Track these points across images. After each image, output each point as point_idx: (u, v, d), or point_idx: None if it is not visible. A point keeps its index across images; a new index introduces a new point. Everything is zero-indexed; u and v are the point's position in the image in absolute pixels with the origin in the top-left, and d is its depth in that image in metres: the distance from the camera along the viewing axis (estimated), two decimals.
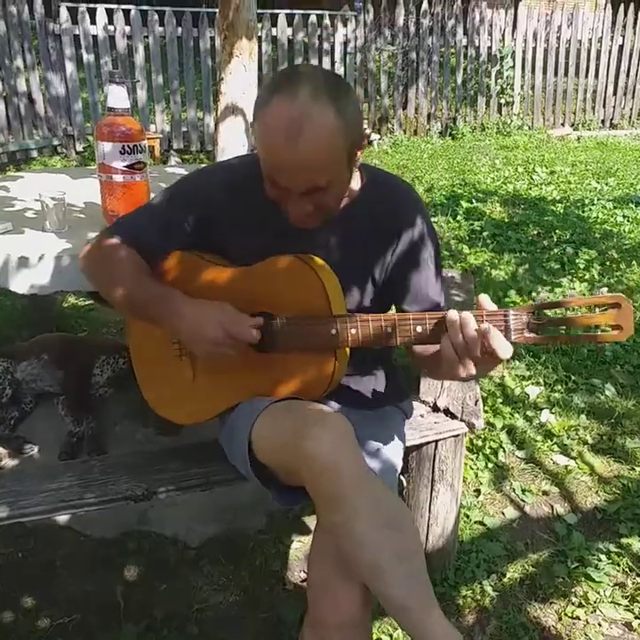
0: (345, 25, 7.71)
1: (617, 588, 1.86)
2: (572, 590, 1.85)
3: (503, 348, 1.10)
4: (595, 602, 1.81)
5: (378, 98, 8.18)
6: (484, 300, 1.16)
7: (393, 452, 1.44)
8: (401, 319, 1.22)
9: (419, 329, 1.20)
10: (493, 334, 1.10)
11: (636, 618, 1.77)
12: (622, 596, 1.83)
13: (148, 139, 3.21)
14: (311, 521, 2.01)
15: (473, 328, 1.12)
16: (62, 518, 1.92)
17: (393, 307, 1.50)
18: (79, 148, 7.01)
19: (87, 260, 1.45)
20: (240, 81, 3.56)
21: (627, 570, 1.91)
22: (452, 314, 1.15)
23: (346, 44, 7.77)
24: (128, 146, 1.81)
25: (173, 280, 1.42)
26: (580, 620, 1.76)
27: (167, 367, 1.49)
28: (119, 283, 1.38)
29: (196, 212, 1.40)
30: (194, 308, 1.32)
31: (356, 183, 1.38)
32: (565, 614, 1.78)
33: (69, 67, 6.79)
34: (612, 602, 1.81)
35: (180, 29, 7.07)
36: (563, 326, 1.12)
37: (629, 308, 1.10)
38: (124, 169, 1.82)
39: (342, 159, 1.22)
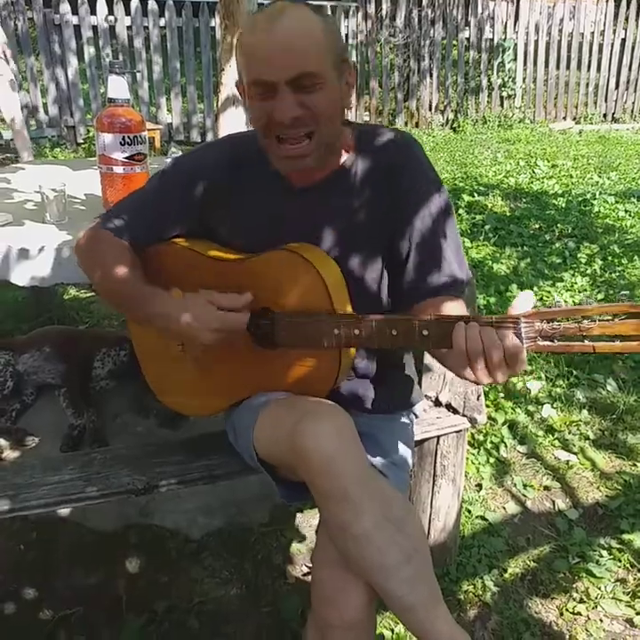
0: (346, 16, 7.67)
1: (618, 583, 1.85)
2: (574, 586, 1.85)
3: (514, 362, 1.05)
4: (596, 598, 1.81)
5: (380, 90, 8.14)
6: (517, 303, 1.07)
7: (403, 454, 1.42)
8: (405, 321, 1.16)
9: (424, 332, 1.14)
10: (499, 347, 1.04)
11: (638, 614, 1.76)
12: (623, 592, 1.82)
13: (149, 130, 3.19)
14: (314, 515, 2.01)
15: (478, 343, 1.06)
16: (64, 511, 1.92)
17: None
18: (80, 139, 6.99)
19: (79, 252, 1.43)
20: None
21: (628, 566, 1.91)
22: (457, 329, 1.08)
23: (347, 35, 7.73)
24: (128, 137, 1.80)
25: (169, 276, 1.38)
26: (581, 615, 1.76)
27: (170, 360, 1.47)
28: (108, 280, 1.36)
29: (189, 196, 1.36)
30: (179, 308, 1.27)
31: (350, 146, 1.32)
32: (566, 610, 1.77)
33: (71, 58, 6.76)
34: (613, 598, 1.81)
35: (180, 19, 7.04)
36: (579, 335, 1.04)
37: None
38: (125, 160, 1.81)
39: (327, 57, 1.17)
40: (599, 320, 1.03)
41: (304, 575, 1.85)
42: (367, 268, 1.34)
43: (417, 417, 1.61)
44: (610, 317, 1.03)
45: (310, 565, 1.87)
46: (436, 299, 1.28)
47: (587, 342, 1.04)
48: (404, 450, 1.42)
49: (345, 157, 1.31)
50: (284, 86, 1.15)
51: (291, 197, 1.32)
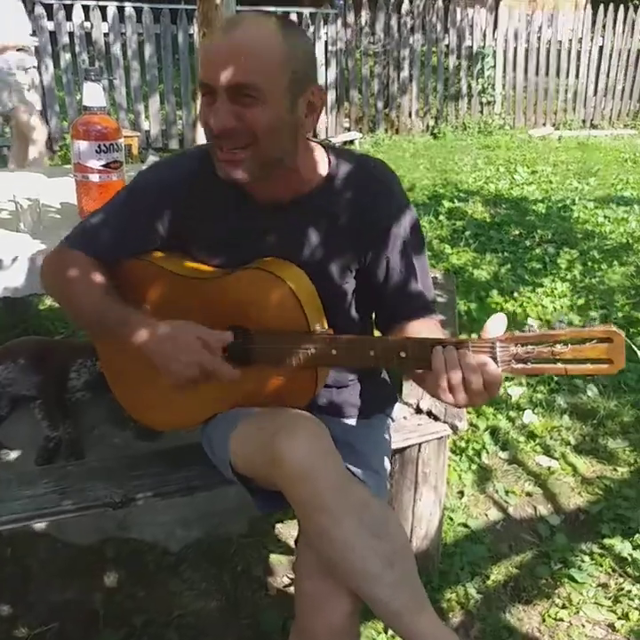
0: (325, 22, 7.70)
1: (600, 588, 1.86)
2: (556, 591, 1.85)
3: (491, 386, 1.07)
4: (578, 603, 1.81)
5: (360, 97, 8.17)
6: (489, 325, 1.10)
7: (381, 459, 1.42)
8: (383, 342, 1.18)
9: (402, 354, 1.15)
10: (477, 375, 1.07)
11: (620, 619, 1.77)
12: (605, 597, 1.83)
13: (126, 137, 3.17)
14: (294, 525, 1.99)
15: (456, 367, 1.08)
16: (39, 525, 1.89)
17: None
18: (56, 146, 6.93)
19: (47, 277, 1.41)
20: None
21: (609, 571, 1.91)
22: (436, 353, 1.10)
23: (327, 43, 7.76)
24: (104, 145, 1.79)
25: (139, 295, 1.36)
26: (563, 621, 1.76)
27: (142, 377, 1.42)
28: (81, 304, 1.34)
29: (153, 212, 1.35)
30: (163, 337, 1.23)
31: (322, 167, 1.31)
32: (549, 616, 1.77)
33: (46, 63, 6.70)
34: (595, 603, 1.81)
35: (158, 26, 7.01)
36: (551, 358, 1.08)
37: (621, 342, 1.06)
38: (100, 168, 1.80)
39: (276, 74, 1.13)
40: (571, 345, 1.07)
41: (285, 586, 1.83)
42: (335, 291, 1.35)
43: (393, 421, 1.61)
44: (581, 341, 1.07)
45: (292, 576, 1.85)
46: (412, 320, 1.33)
47: (559, 365, 1.08)
48: (380, 455, 1.42)
49: (315, 180, 1.30)
50: (222, 93, 1.13)
51: (253, 214, 1.31)
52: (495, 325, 1.09)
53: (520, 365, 1.09)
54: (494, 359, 1.08)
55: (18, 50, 4.66)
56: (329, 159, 1.32)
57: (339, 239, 1.32)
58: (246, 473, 1.30)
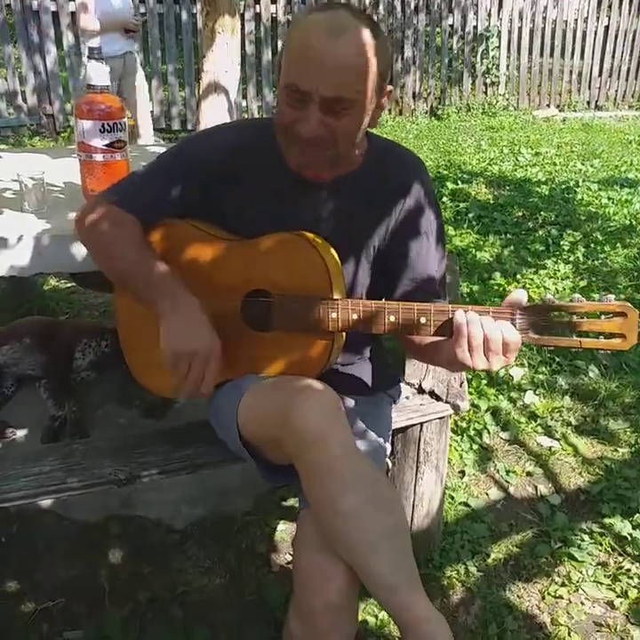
0: None
1: (599, 567, 1.88)
2: (556, 570, 1.87)
3: (510, 350, 1.14)
4: (577, 581, 1.83)
5: None
6: (511, 297, 1.18)
7: (381, 437, 1.44)
8: (405, 309, 1.21)
9: (422, 320, 1.20)
10: (497, 335, 1.14)
11: (618, 597, 1.79)
12: (604, 576, 1.85)
13: (129, 118, 3.16)
14: (297, 503, 2.01)
15: (479, 328, 1.14)
16: (45, 502, 1.91)
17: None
18: (59, 128, 6.90)
19: (82, 226, 1.42)
20: (222, 59, 3.50)
21: (609, 549, 1.93)
22: (459, 314, 1.16)
23: None
24: (108, 124, 1.78)
25: (170, 251, 1.38)
26: (562, 599, 1.78)
27: (156, 338, 1.45)
28: (114, 255, 1.36)
29: (195, 177, 1.37)
30: (184, 317, 1.28)
31: (362, 150, 1.37)
32: (548, 593, 1.79)
33: (49, 45, 6.66)
34: (594, 581, 1.83)
35: (161, 6, 6.95)
36: (567, 330, 1.14)
37: (635, 318, 1.11)
38: (104, 148, 1.79)
39: (372, 81, 1.19)
40: (587, 317, 1.12)
41: (288, 563, 1.85)
42: (357, 273, 1.41)
43: (396, 402, 1.63)
44: (597, 315, 1.13)
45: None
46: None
47: (574, 337, 1.13)
48: (381, 433, 1.45)
49: (356, 162, 1.36)
50: (316, 103, 1.16)
51: (298, 190, 1.35)
52: (516, 297, 1.17)
53: (537, 335, 1.15)
54: (514, 326, 1.15)
55: (127, 31, 4.58)
56: (367, 143, 1.38)
57: (367, 219, 1.38)
58: (254, 440, 1.31)
